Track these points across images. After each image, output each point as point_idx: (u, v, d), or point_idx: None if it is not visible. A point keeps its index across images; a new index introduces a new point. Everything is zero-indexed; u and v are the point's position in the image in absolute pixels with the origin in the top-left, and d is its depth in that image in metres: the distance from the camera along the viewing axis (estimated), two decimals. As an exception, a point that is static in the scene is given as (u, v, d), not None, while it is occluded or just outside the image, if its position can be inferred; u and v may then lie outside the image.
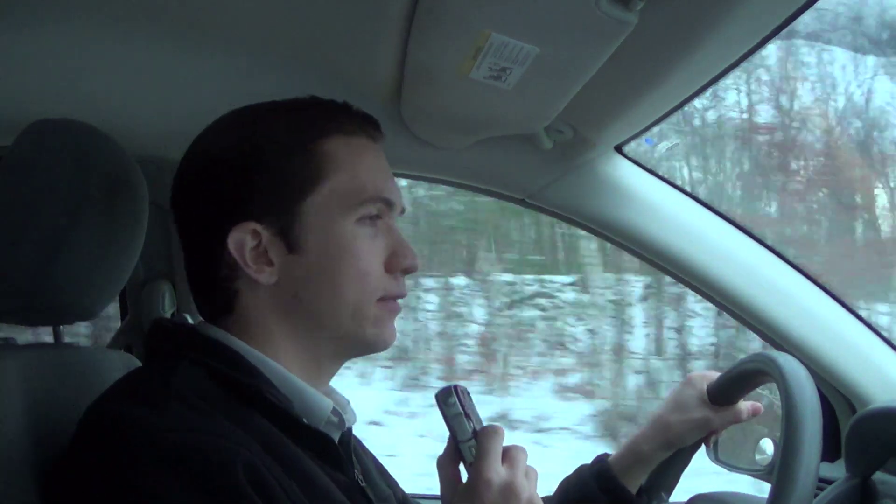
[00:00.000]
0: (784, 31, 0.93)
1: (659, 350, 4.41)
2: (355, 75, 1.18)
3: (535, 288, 4.66)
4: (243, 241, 0.82)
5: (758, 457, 1.17)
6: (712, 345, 4.34)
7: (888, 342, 1.36)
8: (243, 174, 0.83)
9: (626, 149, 1.35)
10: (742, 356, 1.10)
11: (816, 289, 1.38)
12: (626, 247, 1.39)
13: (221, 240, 0.82)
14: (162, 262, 1.52)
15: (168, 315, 1.55)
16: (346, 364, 0.93)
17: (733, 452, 1.19)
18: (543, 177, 1.35)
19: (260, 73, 1.20)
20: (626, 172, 1.36)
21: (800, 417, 0.93)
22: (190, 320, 1.49)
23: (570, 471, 1.19)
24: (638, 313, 4.52)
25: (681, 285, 1.41)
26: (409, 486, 1.08)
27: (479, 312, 4.68)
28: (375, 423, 4.20)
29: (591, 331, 4.54)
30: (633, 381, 4.34)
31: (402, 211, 0.91)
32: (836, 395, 1.37)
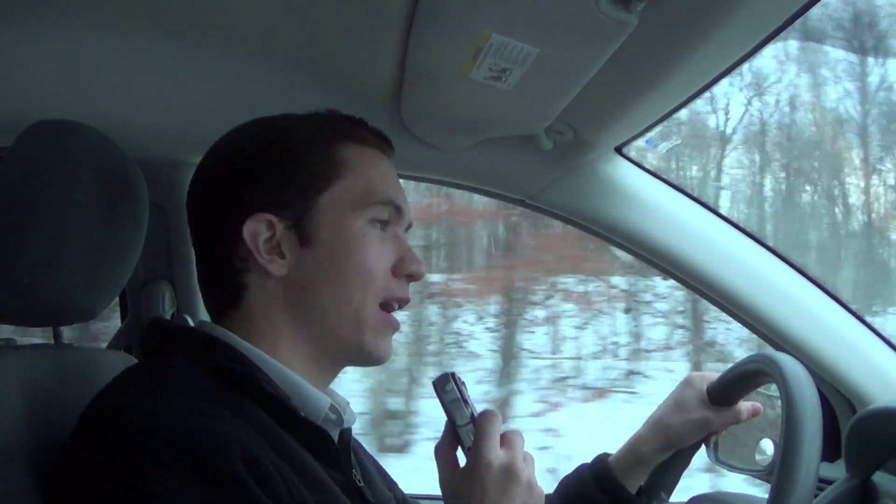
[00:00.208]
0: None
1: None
2: (355, 75, 1.18)
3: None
4: (258, 231, 0.84)
5: (758, 457, 1.17)
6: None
7: (888, 342, 1.36)
8: (263, 167, 0.86)
9: (626, 150, 1.35)
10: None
11: (816, 289, 1.38)
12: (626, 247, 1.39)
13: (237, 229, 0.84)
14: (162, 262, 1.52)
15: (168, 316, 1.55)
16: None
17: (733, 452, 1.20)
18: (543, 177, 1.35)
19: (260, 73, 1.20)
20: (626, 173, 1.36)
21: (800, 417, 0.93)
22: (190, 322, 1.49)
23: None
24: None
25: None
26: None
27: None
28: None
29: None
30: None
31: (410, 225, 0.94)
32: (836, 395, 1.38)
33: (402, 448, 3.79)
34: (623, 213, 1.35)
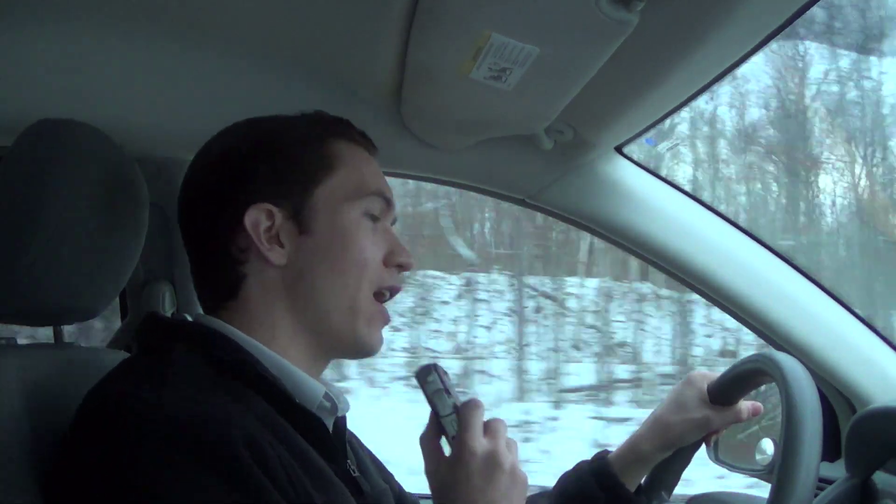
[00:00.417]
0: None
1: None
2: (355, 75, 1.18)
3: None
4: (259, 220, 0.87)
5: (758, 457, 1.17)
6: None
7: (888, 342, 1.36)
8: (263, 158, 0.89)
9: (627, 149, 1.35)
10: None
11: (816, 289, 1.38)
12: (626, 247, 1.39)
13: (238, 219, 0.86)
14: (162, 262, 1.52)
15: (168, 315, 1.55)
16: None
17: (733, 452, 1.20)
18: (544, 177, 1.35)
19: (260, 72, 1.20)
20: (626, 173, 1.36)
21: (800, 417, 0.93)
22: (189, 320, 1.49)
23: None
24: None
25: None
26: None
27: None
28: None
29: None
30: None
31: (395, 220, 0.97)
32: (836, 395, 1.38)
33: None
34: (623, 213, 1.35)
